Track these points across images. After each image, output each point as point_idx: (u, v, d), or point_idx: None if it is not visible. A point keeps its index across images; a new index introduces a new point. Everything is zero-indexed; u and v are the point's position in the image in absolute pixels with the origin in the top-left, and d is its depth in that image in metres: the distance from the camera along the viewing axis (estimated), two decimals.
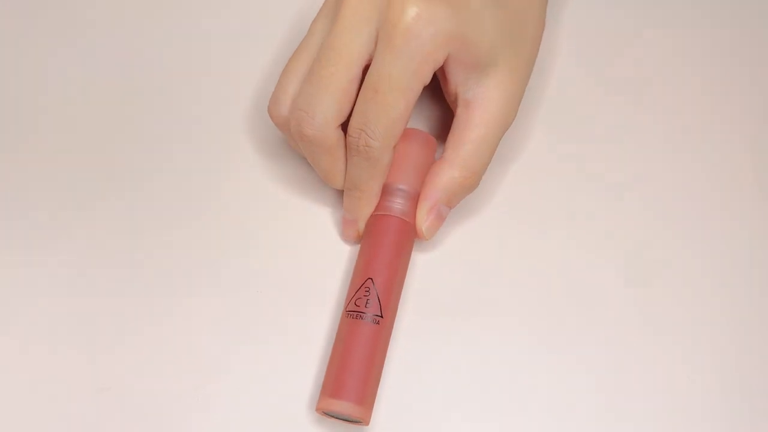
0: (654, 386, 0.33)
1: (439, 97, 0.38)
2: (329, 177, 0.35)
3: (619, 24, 0.41)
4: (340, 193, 0.36)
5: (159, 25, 0.41)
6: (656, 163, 0.38)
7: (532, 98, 0.39)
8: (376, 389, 0.32)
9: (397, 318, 0.34)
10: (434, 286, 0.35)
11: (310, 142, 0.33)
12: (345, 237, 0.36)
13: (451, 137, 0.35)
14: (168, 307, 0.35)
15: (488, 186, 0.37)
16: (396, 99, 0.32)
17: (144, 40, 0.41)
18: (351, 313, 0.32)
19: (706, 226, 0.36)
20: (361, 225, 0.35)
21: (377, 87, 0.31)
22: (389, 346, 0.33)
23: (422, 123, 0.39)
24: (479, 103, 0.34)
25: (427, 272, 0.36)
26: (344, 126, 0.33)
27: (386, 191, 0.34)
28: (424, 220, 0.34)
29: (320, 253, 0.36)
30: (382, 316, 0.32)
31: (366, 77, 0.32)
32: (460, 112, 0.34)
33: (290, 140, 0.35)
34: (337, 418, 0.32)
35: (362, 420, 0.31)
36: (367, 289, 0.32)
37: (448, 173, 0.34)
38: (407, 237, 0.34)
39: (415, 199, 0.34)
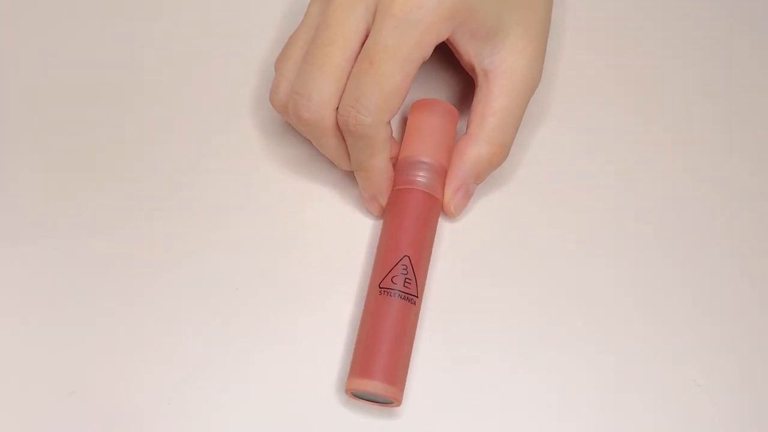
0: (669, 387, 0.33)
1: (459, 65, 0.36)
2: (336, 160, 0.34)
3: None
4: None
5: (158, 11, 0.39)
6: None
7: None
8: (407, 370, 0.31)
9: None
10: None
11: (308, 126, 0.32)
12: (370, 211, 0.35)
13: (474, 110, 0.33)
14: (175, 297, 0.34)
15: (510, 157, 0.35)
16: (392, 70, 0.30)
17: (142, 25, 0.39)
18: (385, 290, 0.31)
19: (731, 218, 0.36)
20: (382, 200, 0.34)
21: (372, 58, 0.30)
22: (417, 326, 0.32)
23: (443, 94, 0.37)
24: (499, 72, 0.33)
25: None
26: None
27: (408, 164, 0.33)
28: (452, 198, 0.33)
29: (335, 232, 0.35)
30: (417, 296, 0.31)
31: (362, 50, 0.31)
32: (480, 82, 0.33)
33: (293, 125, 0.34)
34: (367, 399, 0.31)
35: (394, 400, 0.30)
36: (404, 266, 0.31)
37: (475, 149, 0.33)
38: (434, 212, 0.33)
39: (438, 171, 0.33)
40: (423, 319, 0.33)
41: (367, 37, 0.31)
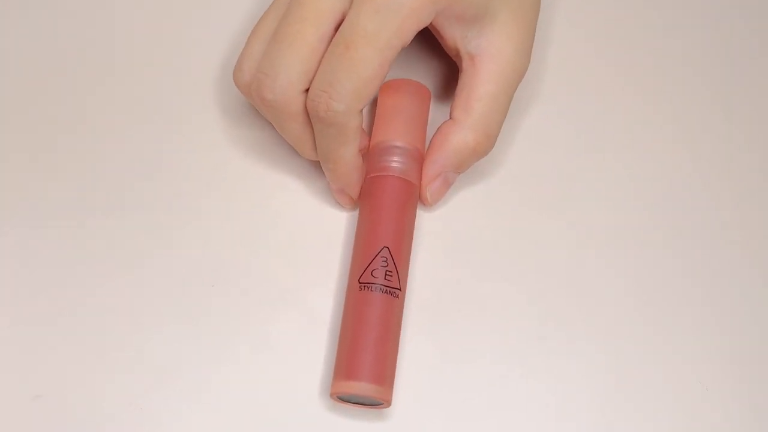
0: (670, 386, 0.31)
1: (440, 49, 0.34)
2: (299, 147, 0.32)
3: None
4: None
5: None
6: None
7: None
8: (395, 368, 0.30)
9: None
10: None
11: (271, 107, 0.30)
12: (340, 203, 0.33)
13: (458, 95, 0.32)
14: (136, 294, 0.32)
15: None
16: (370, 56, 0.28)
17: (103, 11, 0.37)
18: (366, 285, 0.29)
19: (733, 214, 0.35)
20: (352, 192, 0.32)
21: (349, 42, 0.28)
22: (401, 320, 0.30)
23: (423, 79, 0.35)
24: (485, 56, 0.31)
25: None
26: None
27: (381, 150, 0.32)
28: (428, 185, 0.32)
29: (309, 224, 0.33)
30: (400, 288, 0.30)
31: (337, 33, 0.29)
32: (465, 67, 0.32)
33: (256, 107, 0.32)
34: (354, 402, 0.29)
35: (384, 401, 0.29)
36: (384, 258, 0.29)
37: (459, 136, 0.31)
38: (412, 199, 0.31)
39: (413, 156, 0.32)
40: (407, 313, 0.31)
41: (342, 19, 0.29)
